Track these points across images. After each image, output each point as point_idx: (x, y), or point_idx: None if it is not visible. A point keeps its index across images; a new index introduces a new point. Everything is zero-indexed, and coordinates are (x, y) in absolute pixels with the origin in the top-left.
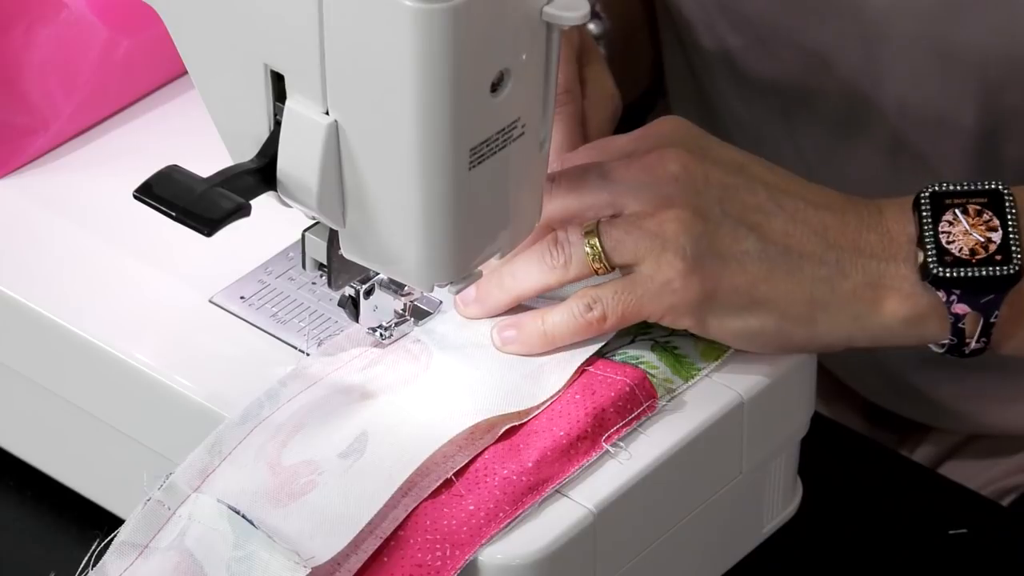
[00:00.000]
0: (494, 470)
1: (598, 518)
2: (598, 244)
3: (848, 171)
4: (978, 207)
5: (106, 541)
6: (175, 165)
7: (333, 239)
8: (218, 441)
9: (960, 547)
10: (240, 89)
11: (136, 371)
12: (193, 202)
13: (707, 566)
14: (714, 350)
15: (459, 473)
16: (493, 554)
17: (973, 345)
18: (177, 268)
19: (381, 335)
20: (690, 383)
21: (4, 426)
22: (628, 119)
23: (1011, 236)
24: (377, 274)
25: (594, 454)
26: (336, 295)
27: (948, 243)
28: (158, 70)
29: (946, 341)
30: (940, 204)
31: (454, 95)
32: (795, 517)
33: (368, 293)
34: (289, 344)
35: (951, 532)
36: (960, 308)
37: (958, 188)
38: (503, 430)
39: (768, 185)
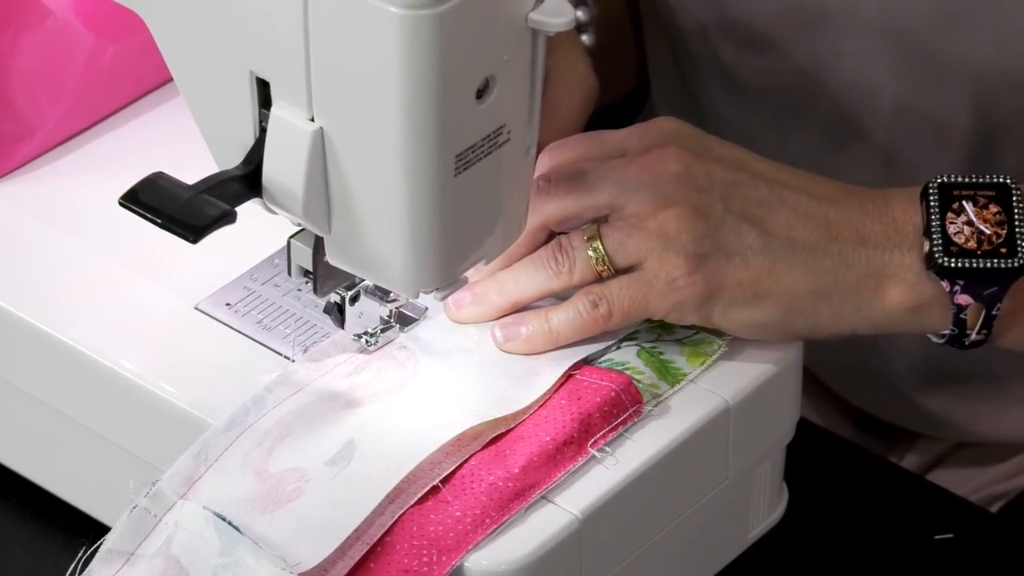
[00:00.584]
0: (480, 476)
1: (584, 524)
2: (601, 247)
3: (841, 180)
4: (985, 200)
5: (92, 549)
6: (160, 172)
7: (319, 246)
8: (204, 448)
9: (947, 553)
10: (225, 96)
11: (122, 378)
12: (179, 209)
13: (693, 571)
14: (700, 355)
15: (445, 479)
16: (479, 560)
17: (974, 336)
18: (163, 275)
19: (367, 342)
20: (676, 388)
21: None
22: (614, 119)
23: (1017, 229)
24: (363, 280)
25: (580, 459)
26: (322, 302)
27: (954, 233)
28: (144, 77)
29: (947, 332)
30: (948, 195)
31: (439, 101)
32: (781, 523)
33: (354, 300)
34: (275, 351)
35: (937, 537)
36: (963, 299)
37: (966, 180)
38: (490, 437)
39: (770, 180)
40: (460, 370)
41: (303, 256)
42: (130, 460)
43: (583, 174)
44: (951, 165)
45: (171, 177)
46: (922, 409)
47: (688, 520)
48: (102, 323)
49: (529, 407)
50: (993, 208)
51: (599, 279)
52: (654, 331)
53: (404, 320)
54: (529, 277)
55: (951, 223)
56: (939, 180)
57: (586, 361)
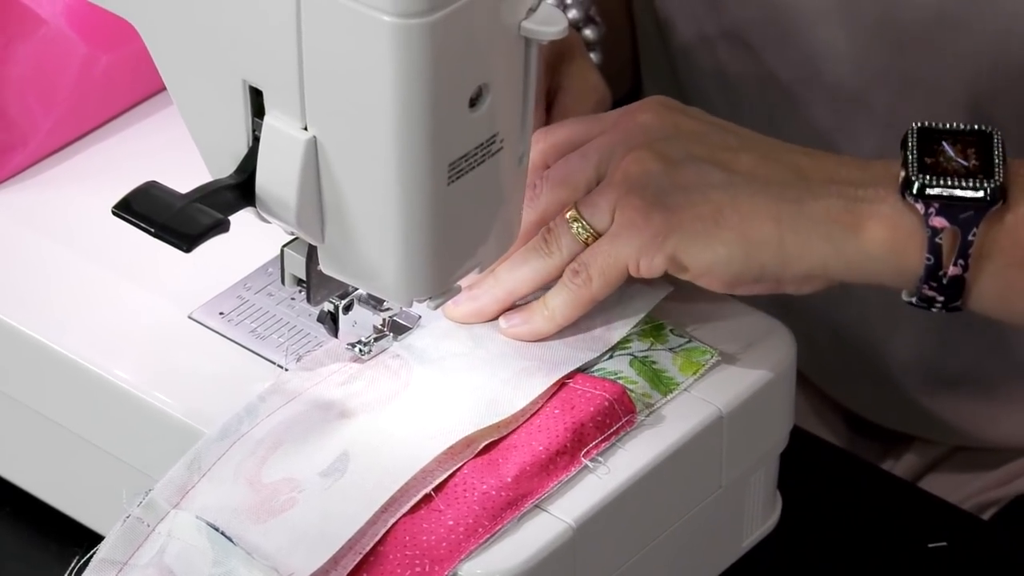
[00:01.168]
0: (473, 485)
1: (577, 532)
2: (581, 218)
3: None
4: (965, 143)
5: (85, 558)
6: (154, 181)
7: (312, 254)
8: (197, 457)
9: (940, 561)
10: (218, 105)
11: (115, 387)
12: (172, 218)
13: None
14: (692, 364)
15: (438, 488)
16: (472, 569)
17: (950, 271)
18: (156, 284)
19: (360, 351)
20: (668, 398)
21: None
22: None
23: (996, 163)
24: (356, 289)
25: (573, 469)
26: (315, 310)
27: (930, 162)
28: (137, 86)
29: (922, 269)
30: (928, 136)
31: (432, 110)
32: (774, 531)
33: (347, 308)
34: (268, 360)
35: (930, 545)
36: (938, 221)
37: (947, 127)
38: (482, 445)
39: (740, 135)
40: (453, 376)
41: (296, 265)
42: (123, 469)
43: (567, 161)
44: None
45: (164, 186)
46: (916, 412)
47: (682, 528)
48: (95, 332)
49: (522, 411)
50: (972, 150)
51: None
52: (647, 339)
53: (398, 329)
54: (523, 264)
55: (929, 157)
56: (919, 124)
57: (579, 369)
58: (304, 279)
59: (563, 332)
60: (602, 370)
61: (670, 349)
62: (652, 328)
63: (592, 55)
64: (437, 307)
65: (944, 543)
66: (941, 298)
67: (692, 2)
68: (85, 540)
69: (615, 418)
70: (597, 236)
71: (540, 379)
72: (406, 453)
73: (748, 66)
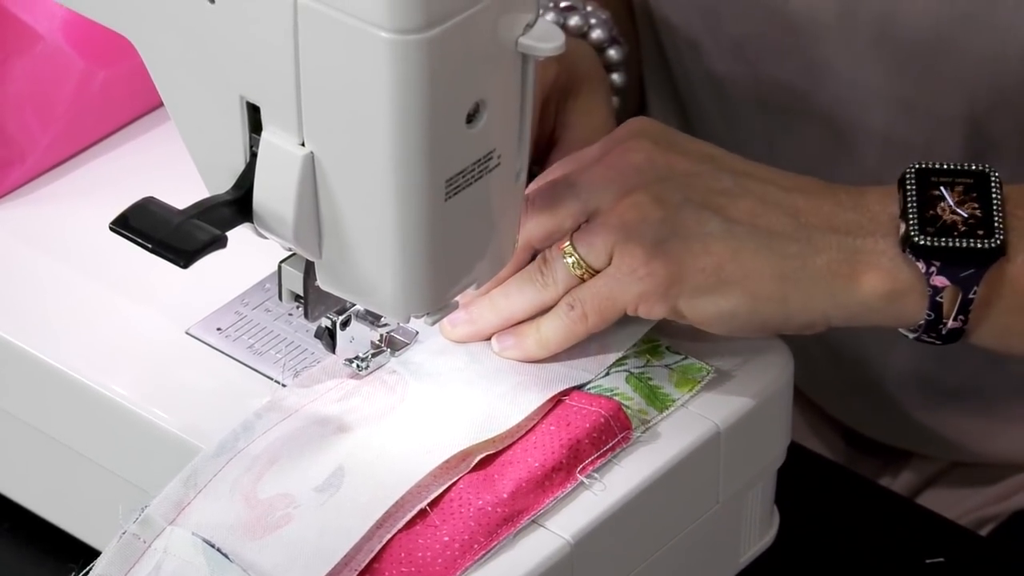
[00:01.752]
0: (469, 500)
1: (575, 548)
2: (575, 253)
3: None
4: (963, 186)
5: (82, 574)
6: (151, 197)
7: (309, 270)
8: (193, 473)
9: None
10: (216, 121)
11: (112, 403)
12: (169, 234)
13: None
14: (688, 380)
15: (434, 503)
16: None
17: (950, 324)
18: (153, 300)
19: (358, 366)
20: (664, 414)
21: None
22: None
23: (995, 214)
24: (353, 305)
25: (569, 485)
26: (312, 326)
27: (930, 214)
28: (134, 102)
29: (923, 320)
30: (926, 181)
31: (430, 126)
32: (772, 547)
33: (344, 324)
34: (266, 375)
35: (928, 561)
36: (939, 280)
37: (945, 167)
38: (478, 459)
39: (736, 172)
40: (449, 391)
41: (294, 281)
42: (120, 485)
43: (554, 189)
44: None
45: (161, 202)
46: (914, 427)
47: (679, 544)
48: (92, 348)
49: (518, 427)
50: (971, 195)
51: (581, 284)
52: (643, 356)
53: (395, 345)
54: (519, 293)
55: (928, 208)
56: (916, 166)
57: (575, 387)
58: (301, 295)
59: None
60: (598, 387)
61: (666, 366)
62: (648, 345)
63: (615, 76)
64: (434, 323)
65: (942, 559)
66: (939, 342)
67: (691, 18)
68: (81, 556)
69: (611, 435)
70: (592, 271)
71: (536, 394)
72: (401, 468)
73: (746, 82)
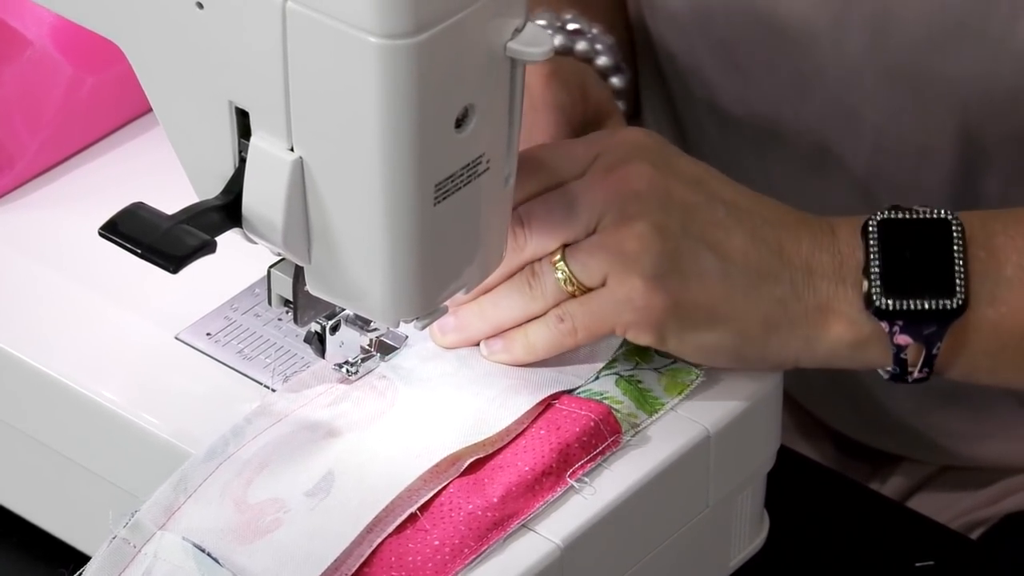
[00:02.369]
0: (459, 505)
1: (565, 552)
2: (567, 269)
3: (822, 204)
4: (926, 238)
5: None
6: (140, 202)
7: (299, 275)
8: (183, 478)
9: None
10: (205, 126)
11: (102, 408)
12: (158, 239)
13: None
14: (678, 384)
15: (424, 507)
16: None
17: (916, 375)
18: (143, 305)
19: (347, 371)
20: (654, 418)
21: None
22: None
23: (956, 270)
24: (343, 310)
25: (559, 490)
26: (302, 331)
27: (893, 272)
28: (123, 107)
29: (889, 369)
30: (891, 232)
31: (419, 131)
32: (762, 550)
33: (334, 329)
34: (255, 380)
35: (918, 564)
36: (902, 339)
37: (908, 217)
38: (468, 463)
39: (727, 202)
40: (439, 395)
41: (283, 286)
42: (110, 490)
43: (551, 211)
44: (933, 191)
45: (151, 207)
46: (904, 432)
47: (669, 548)
48: (82, 353)
49: (507, 431)
50: (933, 247)
51: (573, 299)
52: (632, 359)
53: (385, 349)
54: (508, 302)
55: (891, 266)
56: (881, 216)
57: (565, 391)
58: (291, 300)
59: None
60: (588, 391)
61: (655, 369)
62: (637, 348)
63: (620, 104)
64: (424, 327)
65: (932, 562)
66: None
67: (683, 23)
68: (72, 561)
69: (601, 438)
70: (582, 287)
71: (526, 397)
72: (391, 471)
73: (738, 88)
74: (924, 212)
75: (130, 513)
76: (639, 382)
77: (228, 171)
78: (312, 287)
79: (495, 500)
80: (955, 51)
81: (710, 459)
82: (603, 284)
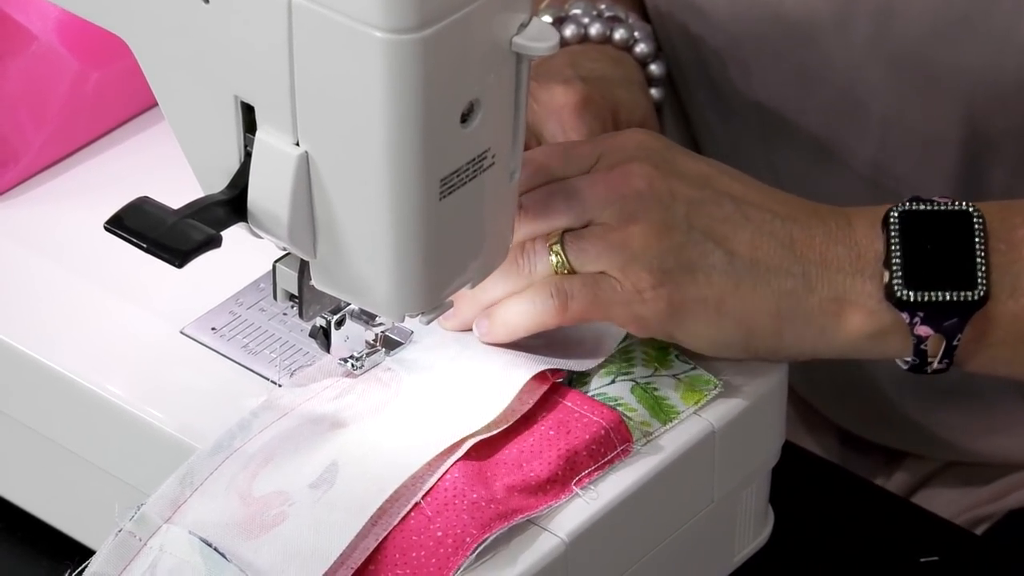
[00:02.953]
0: (463, 492)
1: (570, 547)
2: (562, 253)
3: (827, 194)
4: (948, 231)
5: (77, 572)
6: (146, 197)
7: (304, 270)
8: (189, 472)
9: (932, 575)
10: (210, 121)
11: (107, 403)
12: (164, 234)
13: None
14: (695, 393)
15: (427, 492)
16: None
17: (936, 366)
18: (148, 300)
19: (353, 365)
20: (668, 427)
21: None
22: None
23: (978, 262)
24: (348, 305)
25: (563, 497)
26: (307, 326)
27: (914, 263)
28: (128, 102)
29: (908, 359)
30: (911, 224)
31: (424, 125)
32: (766, 546)
33: (339, 324)
34: (261, 375)
35: (922, 560)
36: (923, 330)
37: (929, 208)
38: (472, 443)
39: (735, 198)
40: (442, 382)
41: (288, 280)
42: (115, 484)
43: (550, 198)
44: (939, 183)
45: (156, 202)
46: (908, 427)
47: (674, 543)
48: (88, 348)
49: (512, 411)
50: (954, 238)
51: (573, 276)
52: (651, 365)
53: (390, 344)
54: (493, 283)
55: (912, 257)
56: (902, 207)
57: (578, 386)
58: (296, 294)
59: (553, 342)
60: (603, 395)
61: (674, 375)
62: (658, 353)
63: (654, 91)
64: (429, 322)
65: (936, 558)
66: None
67: (686, 18)
68: (77, 554)
69: (610, 447)
70: (570, 271)
71: (527, 370)
72: (395, 461)
73: (741, 81)
74: (944, 204)
75: (136, 506)
76: (655, 389)
77: (233, 166)
78: (317, 282)
79: (499, 496)
80: (960, 43)
81: (715, 455)
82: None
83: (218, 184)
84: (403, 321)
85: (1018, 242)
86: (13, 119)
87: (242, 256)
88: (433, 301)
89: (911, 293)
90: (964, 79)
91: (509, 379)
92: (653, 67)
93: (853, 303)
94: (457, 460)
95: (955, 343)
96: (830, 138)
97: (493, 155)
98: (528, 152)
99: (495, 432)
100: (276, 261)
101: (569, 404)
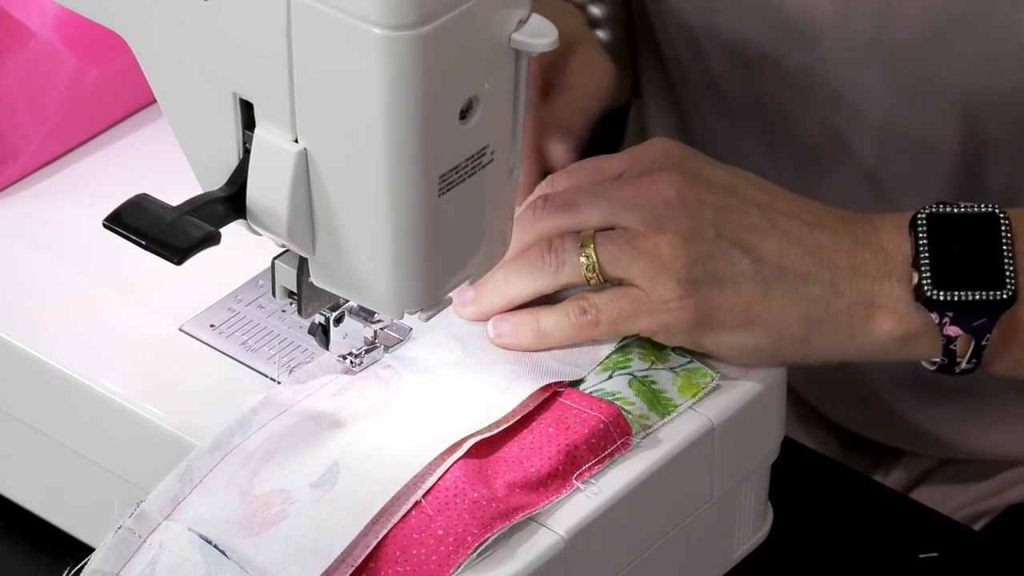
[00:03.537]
0: (464, 491)
1: (569, 544)
2: (594, 255)
3: (827, 196)
4: (974, 233)
5: (76, 569)
6: (145, 194)
7: (303, 267)
8: (189, 469)
9: (931, 571)
10: (209, 117)
11: (106, 400)
12: (163, 231)
13: None
14: (692, 386)
15: (428, 491)
16: None
17: (964, 366)
18: (147, 297)
19: (352, 363)
20: (666, 420)
21: None
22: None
23: (1006, 262)
24: (347, 301)
25: (564, 492)
26: (306, 323)
27: (943, 265)
28: (127, 99)
29: (937, 359)
30: (939, 228)
31: (423, 122)
32: (766, 542)
33: (338, 320)
34: (260, 372)
35: (922, 556)
36: (952, 330)
37: (955, 211)
38: (471, 443)
39: (761, 205)
40: (443, 383)
41: (287, 277)
42: (115, 481)
43: (577, 195)
44: (938, 183)
45: (155, 199)
46: (906, 425)
47: (673, 540)
48: (86, 345)
49: (512, 413)
50: (981, 241)
51: (586, 284)
52: (647, 359)
53: (389, 341)
54: (519, 276)
55: (940, 260)
56: (928, 210)
57: (575, 384)
58: (295, 291)
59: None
60: (600, 390)
61: (671, 368)
62: (654, 347)
63: (600, 32)
64: (428, 319)
65: (935, 554)
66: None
67: (687, 17)
68: (76, 552)
69: (610, 440)
70: (601, 277)
71: (528, 382)
72: (397, 461)
73: (742, 81)
74: (970, 207)
75: (136, 504)
76: (653, 383)
77: (232, 162)
78: (316, 278)
79: (500, 494)
80: (958, 44)
81: (714, 451)
82: (623, 281)
83: (217, 181)
84: (402, 318)
85: None
86: (12, 116)
87: (241, 253)
88: (432, 298)
89: (941, 293)
90: (962, 79)
91: (512, 390)
92: (593, 9)
93: (882, 307)
94: (458, 459)
95: (984, 343)
96: (829, 139)
97: (492, 151)
98: (561, 171)
99: (495, 432)
100: (275, 258)
101: (568, 402)
